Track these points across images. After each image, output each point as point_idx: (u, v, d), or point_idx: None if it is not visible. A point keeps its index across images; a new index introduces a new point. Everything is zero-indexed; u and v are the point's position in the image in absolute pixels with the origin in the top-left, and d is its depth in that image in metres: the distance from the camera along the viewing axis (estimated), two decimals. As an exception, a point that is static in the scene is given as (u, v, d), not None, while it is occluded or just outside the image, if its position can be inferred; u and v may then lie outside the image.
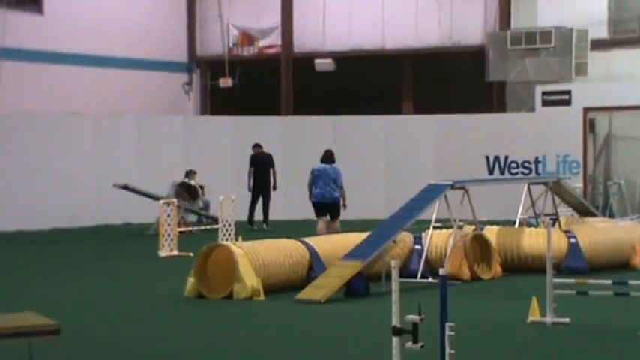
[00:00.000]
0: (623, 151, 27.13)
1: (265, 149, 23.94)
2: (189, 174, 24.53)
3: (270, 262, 13.01)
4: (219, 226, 18.88)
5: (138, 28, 29.43)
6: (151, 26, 29.95)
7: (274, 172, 23.20)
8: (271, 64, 30.91)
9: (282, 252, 13.33)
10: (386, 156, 26.61)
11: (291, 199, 24.73)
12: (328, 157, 18.16)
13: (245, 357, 9.25)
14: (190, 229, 21.74)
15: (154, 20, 30.19)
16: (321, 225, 17.76)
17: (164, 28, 30.66)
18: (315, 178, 17.97)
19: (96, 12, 28.36)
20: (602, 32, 27.96)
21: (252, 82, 30.65)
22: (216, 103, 31.95)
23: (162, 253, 17.96)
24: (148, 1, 30.42)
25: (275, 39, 31.23)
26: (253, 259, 12.79)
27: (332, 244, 14.10)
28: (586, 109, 26.09)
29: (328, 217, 17.88)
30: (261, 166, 23.19)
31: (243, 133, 26.60)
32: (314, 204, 17.96)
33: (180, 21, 31.42)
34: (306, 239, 14.04)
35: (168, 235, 18.18)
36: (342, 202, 17.93)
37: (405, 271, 14.11)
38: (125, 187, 22.62)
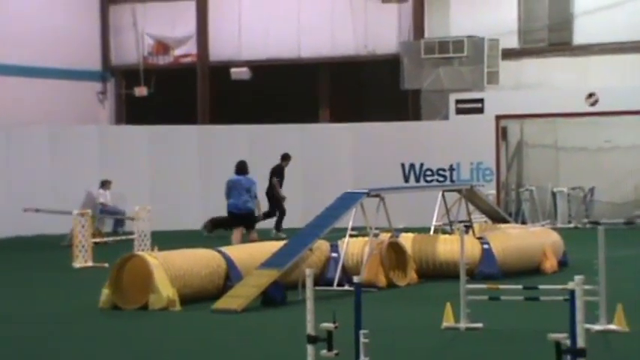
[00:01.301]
0: (535, 158, 27.66)
1: (181, 158, 23.83)
2: (105, 184, 24.30)
3: (186, 272, 12.95)
4: (135, 236, 18.71)
5: (50, 36, 29.01)
6: (64, 34, 29.56)
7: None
8: (187, 73, 30.78)
9: (198, 262, 13.28)
10: (303, 164, 26.67)
11: (208, 209, 24.63)
12: (241, 168, 18.23)
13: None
14: (105, 239, 21.50)
15: (67, 28, 29.79)
16: (237, 235, 17.76)
17: (77, 36, 30.29)
18: (230, 189, 18.03)
19: (6, 19, 27.87)
20: (512, 42, 28.48)
21: (168, 91, 30.47)
22: (132, 112, 31.68)
23: (77, 265, 17.74)
24: (60, 9, 30.00)
25: (191, 48, 31.11)
26: (169, 270, 12.71)
27: (248, 253, 14.10)
28: (498, 117, 26.54)
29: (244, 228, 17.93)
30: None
31: (159, 142, 26.44)
32: (228, 214, 17.99)
33: (93, 29, 31.08)
34: (223, 248, 14.02)
35: (83, 246, 17.96)
36: (256, 212, 17.98)
37: (322, 279, 14.18)
38: (37, 211, 22.25)
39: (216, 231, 22.40)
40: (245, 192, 17.82)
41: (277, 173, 23.28)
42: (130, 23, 31.12)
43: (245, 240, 17.91)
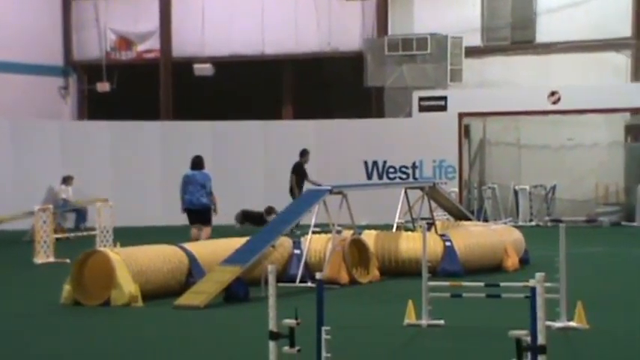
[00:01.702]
0: (497, 156, 27.82)
1: (143, 154, 23.66)
2: (67, 180, 24.13)
3: (148, 268, 12.90)
4: (97, 232, 18.61)
5: (12, 31, 28.78)
6: (25, 29, 29.33)
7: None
8: (150, 69, 30.66)
9: (160, 258, 13.23)
10: (266, 161, 26.66)
11: (170, 205, 24.51)
12: (197, 163, 17.90)
13: (122, 365, 9.16)
14: (67, 235, 21.37)
15: (29, 23, 29.57)
16: (195, 231, 17.54)
17: (39, 31, 30.07)
18: (185, 184, 17.71)
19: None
20: (476, 40, 28.64)
21: (131, 86, 30.33)
22: (94, 107, 31.51)
23: (38, 260, 17.62)
24: (22, 4, 29.78)
25: (153, 43, 31.00)
26: (131, 266, 12.66)
27: (211, 249, 14.07)
28: (461, 115, 26.66)
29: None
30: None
31: (121, 137, 26.31)
32: (185, 210, 17.77)
33: (56, 24, 30.87)
34: (185, 245, 13.98)
35: (44, 241, 17.84)
36: (212, 208, 17.76)
37: (285, 276, 14.19)
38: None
39: (246, 224, 21.99)
40: (200, 187, 17.51)
41: (296, 170, 22.77)
42: (93, 18, 30.95)
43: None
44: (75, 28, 31.37)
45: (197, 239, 16.89)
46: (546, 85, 26.84)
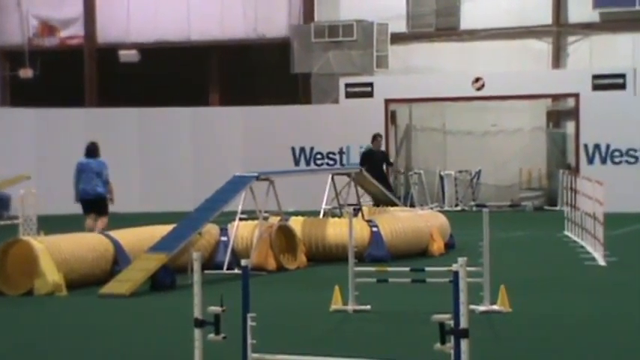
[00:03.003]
0: (423, 142, 28.07)
1: (67, 141, 23.27)
2: None
3: (72, 256, 12.77)
4: (20, 220, 18.32)
5: None
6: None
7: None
8: (74, 55, 30.28)
9: (85, 246, 13.11)
10: (193, 147, 26.55)
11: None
12: (91, 150, 17.00)
13: (45, 353, 9.06)
14: (-10, 224, 21.04)
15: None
16: (89, 222, 16.68)
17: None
18: (79, 172, 16.86)
19: None
20: (401, 26, 28.82)
21: (55, 73, 29.92)
22: (17, 94, 31.02)
23: (-40, 250, 17.29)
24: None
25: (77, 29, 30.61)
26: (55, 254, 12.52)
27: (137, 237, 13.98)
28: (387, 101, 26.82)
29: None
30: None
31: (45, 124, 25.96)
32: (79, 201, 16.97)
33: (-24, 9, 30.33)
34: (111, 233, 13.86)
35: (-34, 231, 17.53)
36: (108, 197, 16.91)
37: (212, 263, 14.16)
38: None
39: None
40: (95, 176, 16.67)
41: (364, 159, 21.06)
42: (14, 3, 30.44)
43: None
44: (-4, 13, 30.84)
45: (91, 230, 16.12)
46: (471, 72, 27.11)
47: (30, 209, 18.49)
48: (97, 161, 16.83)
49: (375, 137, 21.80)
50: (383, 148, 22.72)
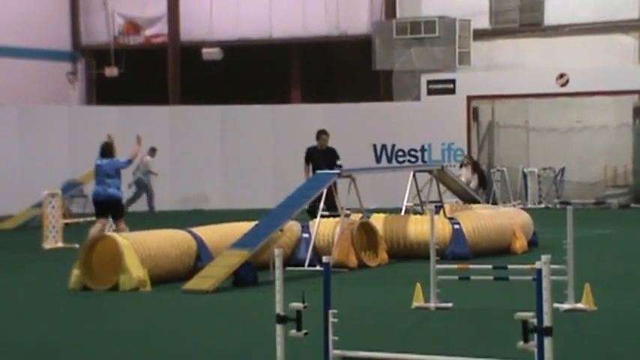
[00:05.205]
0: (506, 139, 27.81)
1: (151, 139, 23.59)
2: (153, 151, 24.02)
3: (156, 252, 12.92)
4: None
5: (19, 16, 28.81)
6: (33, 14, 29.36)
7: None
8: (158, 53, 30.66)
9: (168, 242, 13.26)
10: (274, 145, 26.68)
11: (179, 190, 24.56)
12: (104, 150, 16.23)
13: (131, 348, 9.19)
14: (76, 220, 21.42)
15: (36, 8, 29.60)
16: (98, 227, 15.70)
17: (47, 16, 30.09)
18: (95, 174, 16.25)
19: (-25, 0, 27.68)
20: (484, 22, 28.57)
21: (139, 71, 30.34)
22: (102, 92, 31.54)
23: (47, 246, 17.67)
24: (30, -11, 29.80)
25: (161, 28, 30.98)
26: (139, 250, 12.69)
27: (219, 233, 14.08)
28: (470, 98, 26.64)
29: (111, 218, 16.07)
30: None
31: (129, 122, 26.31)
32: (92, 202, 16.34)
33: (63, 9, 30.88)
34: (193, 229, 14.00)
35: (53, 226, 17.88)
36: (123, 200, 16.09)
37: (293, 260, 14.21)
38: None
39: None
40: (106, 177, 15.81)
41: (306, 159, 18.89)
42: (101, 3, 30.95)
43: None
44: (83, 12, 31.36)
45: (96, 235, 14.74)
46: (554, 68, 26.78)
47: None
48: (109, 161, 16.03)
49: (320, 134, 18.52)
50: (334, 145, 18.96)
